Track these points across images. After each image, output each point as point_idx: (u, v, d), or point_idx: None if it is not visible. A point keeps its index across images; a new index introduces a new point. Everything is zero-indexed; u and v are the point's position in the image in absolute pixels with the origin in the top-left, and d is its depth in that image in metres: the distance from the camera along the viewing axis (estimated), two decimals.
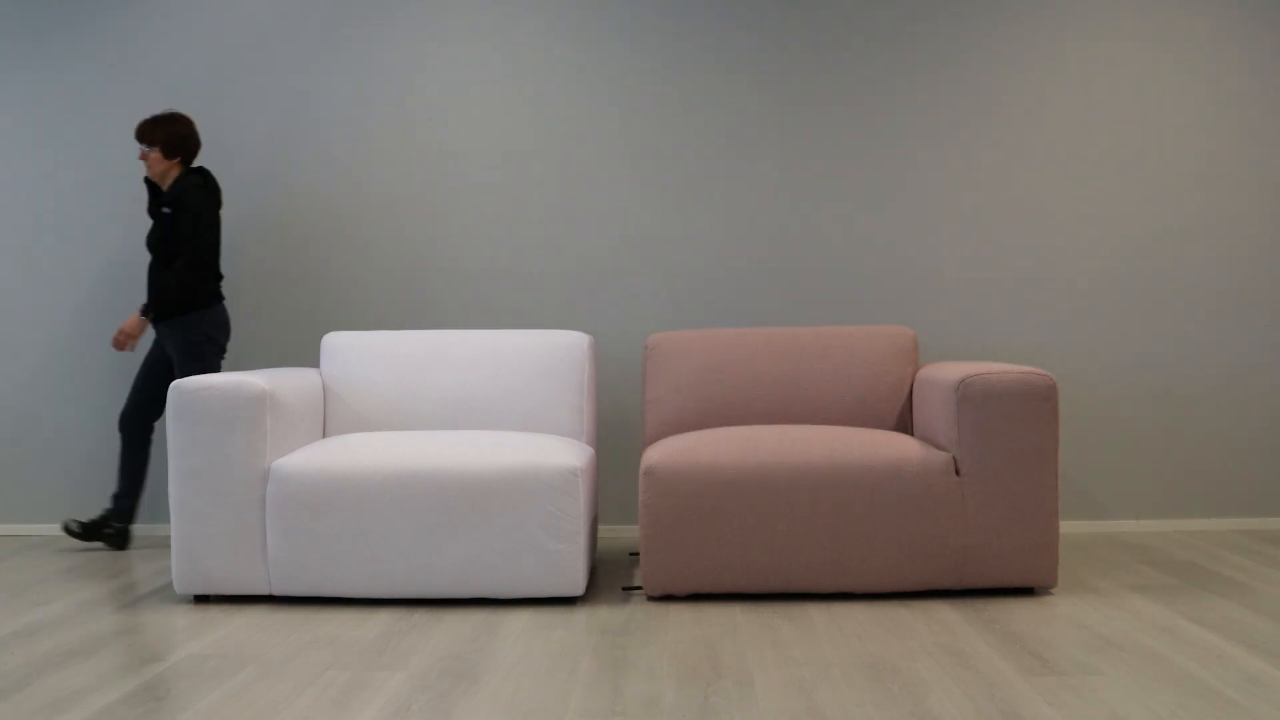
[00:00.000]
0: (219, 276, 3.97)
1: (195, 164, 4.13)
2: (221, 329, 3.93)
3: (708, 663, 2.56)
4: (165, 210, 3.85)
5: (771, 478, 3.11)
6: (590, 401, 3.68)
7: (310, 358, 4.29)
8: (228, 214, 4.29)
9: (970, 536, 3.11)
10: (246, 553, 3.16)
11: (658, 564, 3.15)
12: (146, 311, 3.82)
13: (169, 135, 3.86)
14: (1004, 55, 4.21)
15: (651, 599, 3.20)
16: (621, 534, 4.26)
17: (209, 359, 3.87)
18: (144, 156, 3.88)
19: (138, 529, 4.35)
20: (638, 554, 3.86)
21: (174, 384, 3.19)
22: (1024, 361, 4.21)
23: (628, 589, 3.34)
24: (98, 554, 3.96)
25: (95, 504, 4.36)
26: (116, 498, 3.96)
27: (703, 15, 4.24)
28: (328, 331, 4.28)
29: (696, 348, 3.78)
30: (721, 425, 3.69)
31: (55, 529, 4.38)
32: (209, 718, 2.22)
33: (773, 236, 4.23)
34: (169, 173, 3.91)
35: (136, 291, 4.35)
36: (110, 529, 3.94)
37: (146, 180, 3.97)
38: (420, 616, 3.03)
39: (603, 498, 4.26)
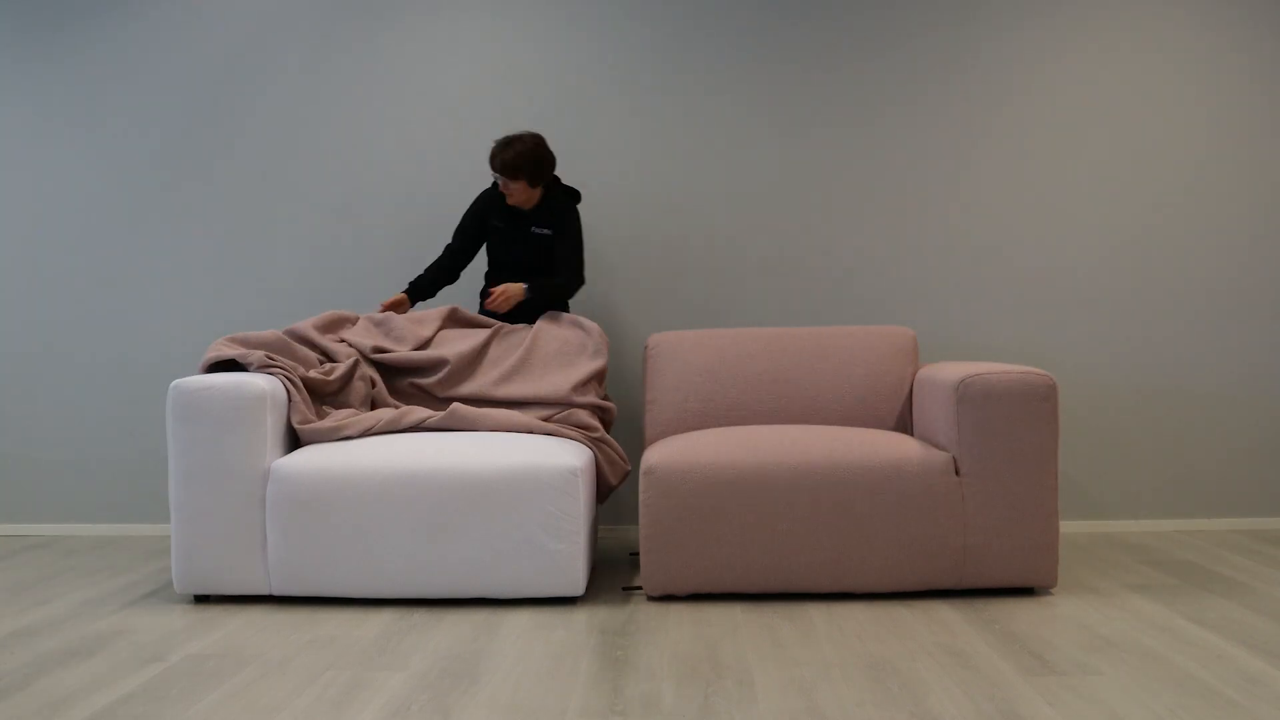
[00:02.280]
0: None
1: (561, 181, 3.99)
2: None
3: (708, 663, 2.56)
4: (539, 231, 3.81)
5: (771, 478, 3.11)
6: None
7: None
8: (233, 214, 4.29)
9: (970, 536, 3.11)
10: (246, 553, 3.16)
11: (658, 564, 3.15)
12: (532, 288, 3.73)
13: (534, 167, 3.70)
14: (1005, 57, 4.21)
15: (651, 599, 3.20)
16: (621, 534, 4.26)
17: None
18: (505, 188, 3.74)
19: (137, 529, 4.35)
20: (638, 554, 3.86)
21: (174, 384, 3.19)
22: (1024, 361, 4.21)
23: (628, 589, 3.34)
24: (98, 554, 3.96)
25: (95, 504, 4.37)
26: None
27: (703, 17, 4.24)
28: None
29: (696, 348, 3.78)
30: (721, 425, 3.69)
31: (55, 529, 4.38)
32: (209, 718, 2.22)
33: (773, 236, 4.23)
34: (536, 196, 3.80)
35: (137, 291, 4.35)
36: None
37: (497, 197, 3.85)
38: (420, 616, 3.03)
39: None
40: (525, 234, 3.82)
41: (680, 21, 4.25)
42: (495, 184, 3.86)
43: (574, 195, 3.91)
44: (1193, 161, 4.21)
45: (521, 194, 3.74)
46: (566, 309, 3.95)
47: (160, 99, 4.35)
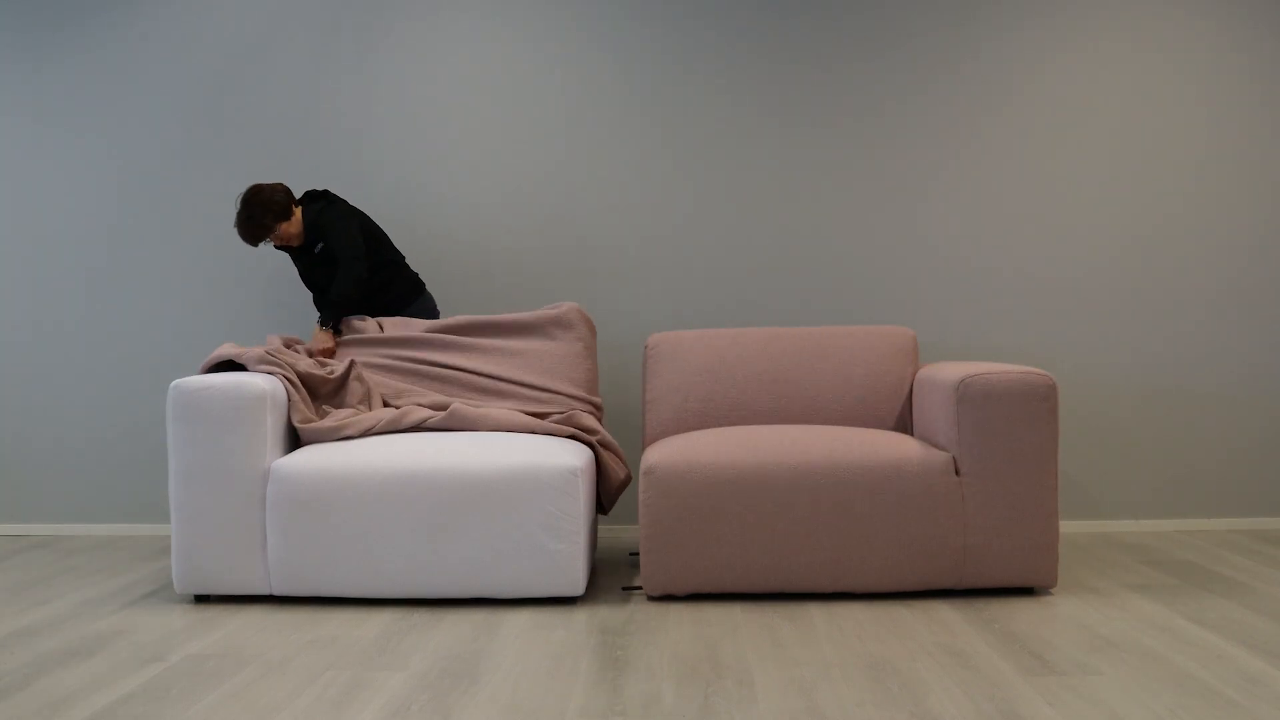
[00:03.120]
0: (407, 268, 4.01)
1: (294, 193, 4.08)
2: (433, 314, 4.04)
3: (708, 663, 2.56)
4: (319, 249, 3.87)
5: (771, 478, 3.11)
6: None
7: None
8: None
9: (970, 536, 3.11)
10: (246, 553, 3.16)
11: (658, 564, 3.15)
12: (325, 319, 3.78)
13: (275, 209, 3.76)
14: (1004, 58, 4.21)
15: (651, 599, 3.20)
16: (621, 534, 4.26)
17: None
18: (277, 241, 3.83)
19: (137, 529, 4.35)
20: (638, 554, 3.86)
21: (174, 384, 3.19)
22: (1024, 361, 4.21)
23: (628, 589, 3.34)
24: (98, 554, 3.96)
25: (95, 504, 4.37)
26: None
27: (704, 20, 4.24)
28: None
29: (696, 348, 3.78)
30: (721, 425, 3.69)
31: (55, 529, 4.38)
32: (209, 718, 2.22)
33: (773, 236, 4.23)
34: (296, 225, 3.85)
35: (137, 292, 4.35)
36: None
37: (283, 248, 3.93)
38: (420, 616, 3.03)
39: None
40: (314, 258, 3.90)
41: (679, 22, 4.25)
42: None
43: (317, 197, 3.92)
44: (1193, 161, 4.21)
45: (290, 231, 3.82)
46: (406, 283, 3.94)
47: (160, 100, 4.34)
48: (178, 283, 4.35)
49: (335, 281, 3.76)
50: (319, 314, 3.96)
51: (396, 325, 3.78)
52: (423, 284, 4.03)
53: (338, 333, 3.78)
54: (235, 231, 4.16)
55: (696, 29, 4.24)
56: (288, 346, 3.68)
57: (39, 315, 4.39)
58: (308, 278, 3.95)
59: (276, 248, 3.91)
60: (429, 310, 4.02)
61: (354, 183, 4.31)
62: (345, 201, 3.92)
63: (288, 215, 3.80)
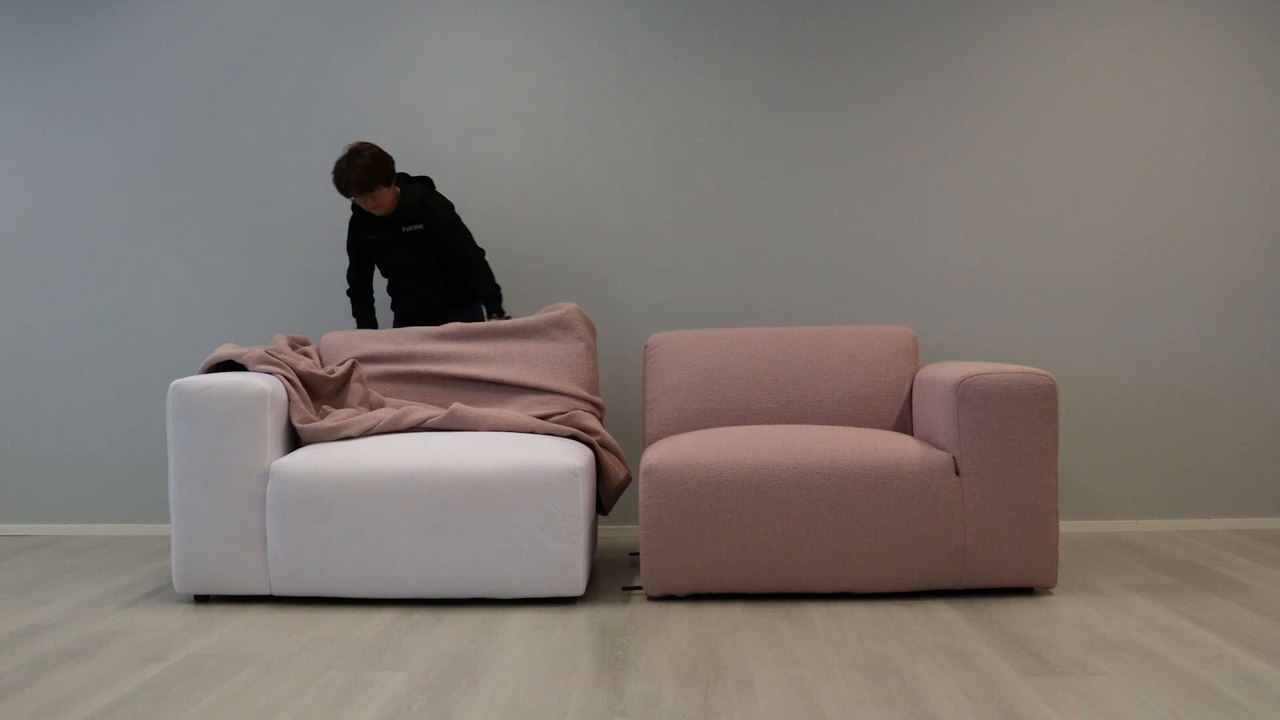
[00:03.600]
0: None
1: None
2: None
3: (708, 663, 2.56)
4: (410, 229, 3.86)
5: (771, 478, 3.11)
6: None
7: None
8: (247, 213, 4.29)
9: (970, 536, 3.11)
10: (246, 553, 3.16)
11: (658, 564, 3.15)
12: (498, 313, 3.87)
13: (388, 167, 3.75)
14: (1004, 58, 4.21)
15: (651, 599, 3.20)
16: (621, 534, 4.26)
17: None
18: (368, 202, 3.78)
19: (137, 529, 4.36)
20: (638, 554, 3.86)
21: (174, 384, 3.19)
22: (1024, 361, 4.21)
23: (628, 589, 3.34)
24: (98, 554, 3.96)
25: (95, 504, 4.37)
26: None
27: (703, 16, 4.24)
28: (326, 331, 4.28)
29: (696, 348, 3.78)
30: (721, 425, 3.69)
31: (55, 529, 4.38)
32: (209, 718, 2.22)
33: (773, 236, 4.23)
34: (393, 194, 3.83)
35: (137, 291, 4.35)
36: None
37: (364, 213, 3.90)
38: (420, 616, 3.03)
39: None
40: (400, 237, 3.89)
41: (680, 21, 4.25)
42: (354, 205, 3.91)
43: (427, 182, 3.96)
44: (1193, 161, 4.21)
45: (386, 199, 3.80)
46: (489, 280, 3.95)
47: (160, 101, 4.35)
48: (178, 283, 4.35)
49: (482, 280, 3.86)
50: (487, 310, 3.88)
51: (396, 335, 3.78)
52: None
53: (507, 317, 3.86)
54: (332, 178, 3.85)
55: (697, 28, 4.24)
56: (293, 346, 3.68)
57: (39, 315, 4.39)
58: (388, 256, 3.90)
59: (357, 212, 3.87)
60: (477, 320, 4.02)
61: None
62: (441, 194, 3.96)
63: (392, 180, 3.80)
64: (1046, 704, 2.24)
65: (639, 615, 3.02)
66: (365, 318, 4.04)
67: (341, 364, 3.61)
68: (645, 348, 3.86)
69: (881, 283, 4.23)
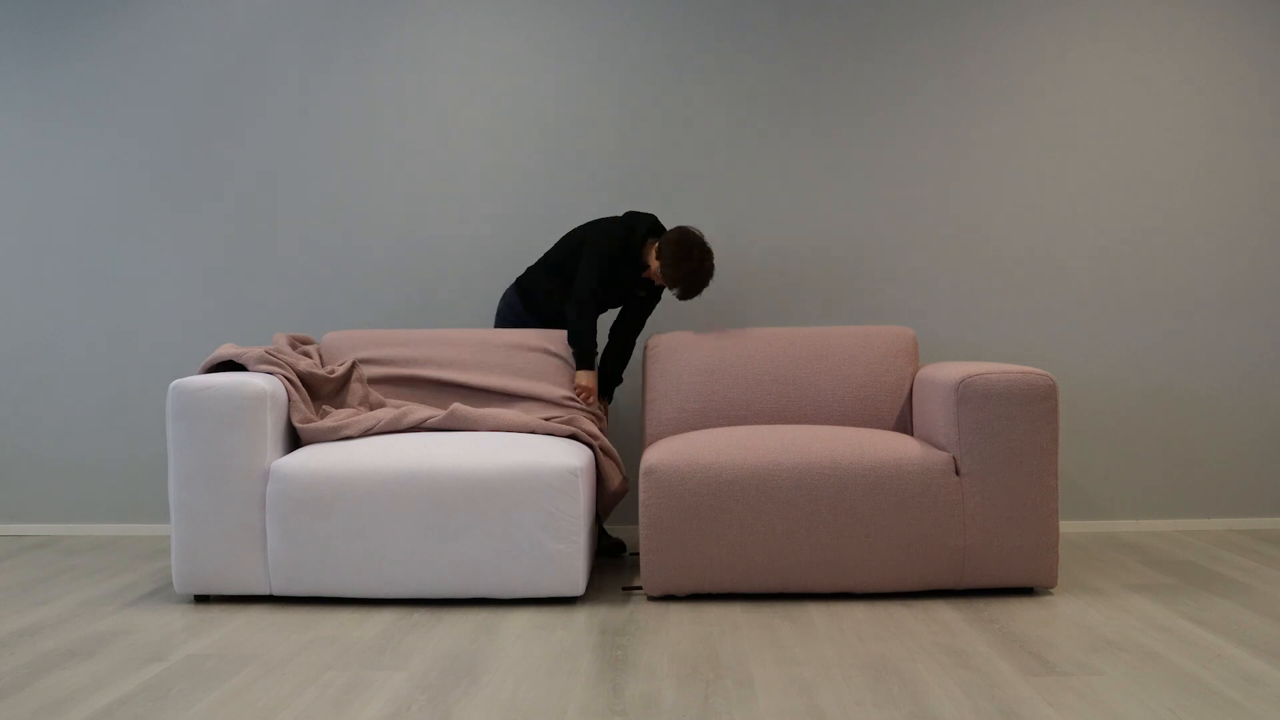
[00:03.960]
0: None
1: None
2: None
3: (708, 663, 2.56)
4: (643, 294, 3.83)
5: (771, 478, 3.11)
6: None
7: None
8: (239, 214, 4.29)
9: (970, 536, 3.11)
10: (246, 553, 3.16)
11: (658, 564, 3.15)
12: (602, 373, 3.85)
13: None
14: (1003, 58, 4.21)
15: (651, 599, 3.20)
16: (621, 534, 4.26)
17: None
18: (649, 272, 3.72)
19: (137, 529, 4.35)
20: (638, 554, 3.86)
21: (174, 384, 3.20)
22: (1024, 361, 4.21)
23: (628, 589, 3.34)
24: (98, 554, 3.96)
25: (95, 504, 4.37)
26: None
27: (704, 20, 4.24)
28: (326, 331, 4.28)
29: (696, 348, 3.78)
30: (721, 425, 3.69)
31: (55, 529, 4.38)
32: (209, 718, 2.22)
33: (773, 236, 4.23)
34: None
35: (137, 291, 4.35)
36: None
37: (642, 280, 3.79)
38: (420, 616, 3.03)
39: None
40: (653, 297, 3.88)
41: (680, 22, 4.25)
42: (638, 264, 3.74)
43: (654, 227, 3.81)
44: (1193, 160, 4.21)
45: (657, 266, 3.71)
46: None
47: (160, 101, 4.35)
48: (178, 282, 4.35)
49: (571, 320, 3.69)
50: (583, 361, 3.69)
51: (398, 338, 3.77)
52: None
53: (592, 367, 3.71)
54: (685, 280, 3.64)
55: (696, 28, 4.24)
56: (294, 346, 3.68)
57: (39, 315, 4.39)
58: (636, 309, 3.87)
59: (627, 257, 3.71)
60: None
61: (354, 180, 4.31)
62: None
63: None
64: (1046, 704, 2.24)
65: (639, 615, 3.02)
66: (593, 335, 3.76)
67: (342, 364, 3.62)
68: (645, 348, 3.85)
69: (881, 283, 4.23)
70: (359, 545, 3.11)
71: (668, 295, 4.23)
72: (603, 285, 3.71)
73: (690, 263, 3.59)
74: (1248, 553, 3.72)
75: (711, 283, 3.99)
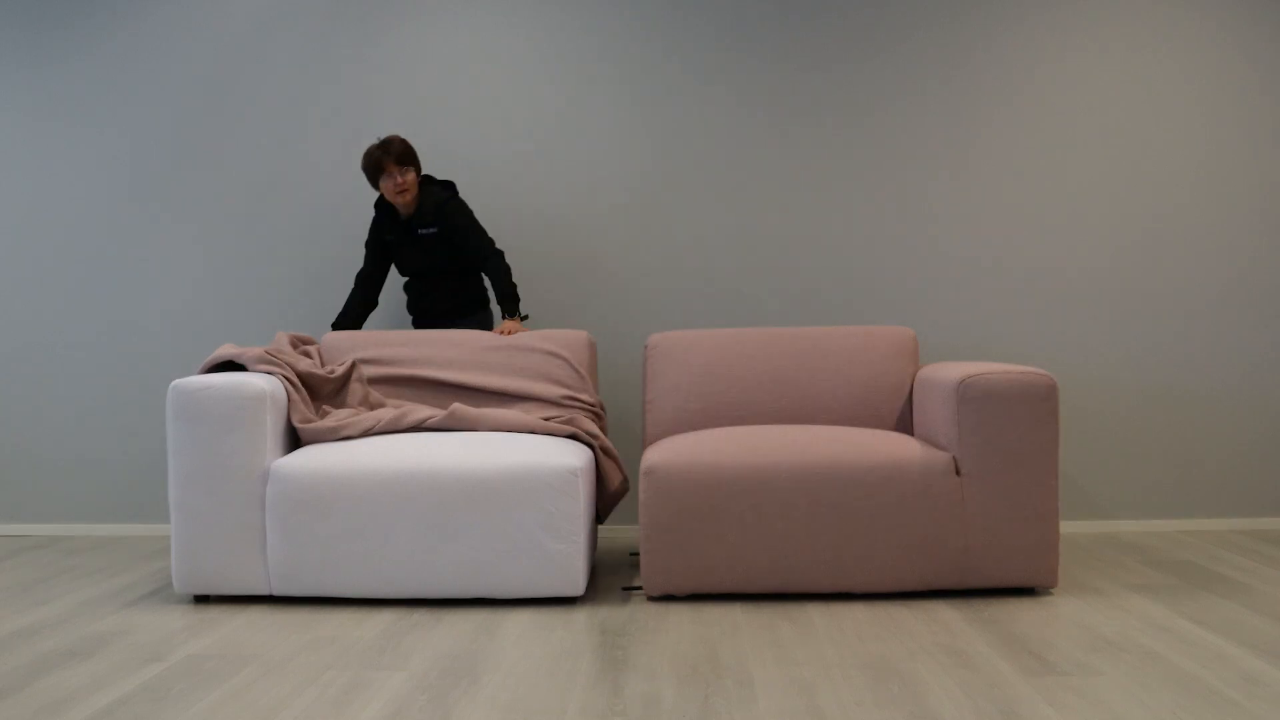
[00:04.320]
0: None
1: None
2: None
3: (708, 663, 2.56)
4: (425, 231, 3.89)
5: (771, 478, 3.11)
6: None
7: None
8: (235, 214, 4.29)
9: (970, 536, 3.11)
10: (246, 553, 3.16)
11: (658, 564, 3.14)
12: (511, 310, 3.87)
13: (415, 155, 3.84)
14: (1003, 58, 4.21)
15: (651, 599, 3.20)
16: (621, 534, 4.26)
17: None
18: (399, 184, 3.81)
19: (137, 529, 4.36)
20: (638, 554, 3.86)
21: (174, 384, 3.19)
22: (1024, 361, 4.21)
23: (628, 589, 3.34)
24: (98, 554, 3.96)
25: (95, 504, 4.37)
26: None
27: (704, 20, 4.24)
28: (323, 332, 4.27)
29: (696, 348, 3.78)
30: (721, 425, 3.69)
31: (55, 529, 4.38)
32: (209, 718, 2.22)
33: (773, 237, 4.23)
34: (416, 187, 3.87)
35: (137, 291, 4.35)
36: None
37: (384, 215, 3.95)
38: (420, 616, 3.03)
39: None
40: (415, 238, 3.91)
41: (680, 23, 4.25)
42: (379, 201, 3.95)
43: (449, 187, 3.98)
44: (1193, 161, 4.21)
45: (413, 186, 3.83)
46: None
47: (160, 100, 4.34)
48: (178, 282, 4.35)
49: (499, 278, 3.83)
50: (505, 311, 3.86)
51: (398, 339, 3.78)
52: (488, 299, 4.08)
53: (524, 318, 3.91)
54: (367, 160, 3.81)
55: (696, 28, 4.24)
56: (295, 345, 3.68)
57: (39, 315, 4.39)
58: (404, 256, 3.94)
59: (379, 212, 3.92)
60: (486, 327, 4.04)
61: (353, 180, 4.31)
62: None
63: (420, 170, 3.87)
64: (1046, 704, 2.24)
65: (639, 615, 3.02)
66: (348, 310, 4.00)
67: (342, 364, 3.61)
68: (645, 348, 3.85)
69: (881, 283, 4.23)
70: (359, 545, 3.11)
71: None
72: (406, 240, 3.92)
73: (364, 159, 3.81)
74: (1248, 553, 3.72)
75: (704, 279, 3.99)
